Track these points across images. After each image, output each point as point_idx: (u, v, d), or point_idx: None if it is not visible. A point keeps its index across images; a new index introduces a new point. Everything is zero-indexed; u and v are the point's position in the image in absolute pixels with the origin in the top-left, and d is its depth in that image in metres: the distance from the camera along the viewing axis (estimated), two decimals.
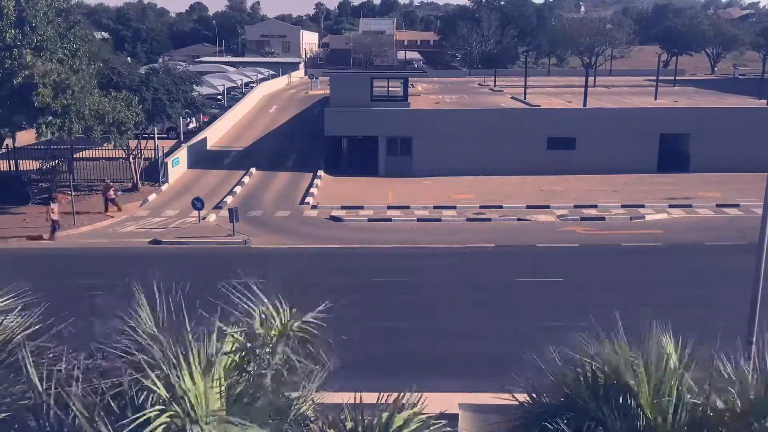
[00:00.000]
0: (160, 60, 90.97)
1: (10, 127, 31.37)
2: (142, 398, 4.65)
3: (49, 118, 29.15)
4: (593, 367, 5.70)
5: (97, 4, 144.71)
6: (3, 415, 4.80)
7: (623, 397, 5.46)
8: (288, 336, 5.31)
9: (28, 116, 30.26)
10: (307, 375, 5.45)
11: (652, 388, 5.36)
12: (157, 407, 4.36)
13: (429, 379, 13.92)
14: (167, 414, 4.32)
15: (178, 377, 4.46)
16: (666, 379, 5.40)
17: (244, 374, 4.92)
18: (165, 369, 4.49)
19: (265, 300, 5.32)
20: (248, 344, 5.08)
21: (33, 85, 28.38)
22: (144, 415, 4.32)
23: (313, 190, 35.80)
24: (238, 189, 36.27)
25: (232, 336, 5.14)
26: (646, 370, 5.43)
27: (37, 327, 5.84)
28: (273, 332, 5.15)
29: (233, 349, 5.05)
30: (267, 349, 5.07)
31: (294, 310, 5.51)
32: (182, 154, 40.65)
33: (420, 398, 5.57)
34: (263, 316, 5.25)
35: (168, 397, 4.42)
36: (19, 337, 5.59)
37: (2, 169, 36.63)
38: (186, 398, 4.41)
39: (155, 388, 4.44)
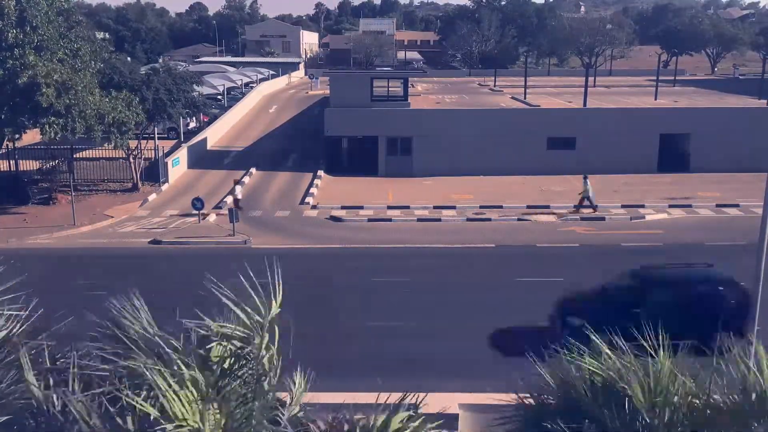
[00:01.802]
0: (161, 60, 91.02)
1: (13, 128, 31.38)
2: (141, 399, 4.63)
3: (52, 118, 29.18)
4: (593, 367, 5.69)
5: (97, 4, 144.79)
6: (3, 418, 4.79)
7: (623, 397, 5.45)
8: (277, 338, 5.25)
9: (32, 116, 30.29)
10: (295, 375, 5.41)
11: (651, 388, 5.35)
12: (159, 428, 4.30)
13: (429, 379, 13.94)
14: None
15: (174, 392, 4.39)
16: (666, 379, 5.39)
17: (236, 377, 4.88)
18: (159, 384, 4.41)
19: (259, 301, 5.28)
20: (241, 347, 5.04)
21: (36, 85, 28.40)
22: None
23: (313, 190, 35.80)
24: (238, 189, 36.26)
25: (226, 339, 5.10)
26: (645, 371, 5.42)
27: (36, 326, 5.83)
28: (260, 338, 5.09)
29: (226, 354, 5.01)
30: (260, 352, 5.03)
31: (279, 310, 5.43)
32: (182, 154, 40.66)
33: (420, 398, 5.56)
34: (255, 318, 5.21)
35: (159, 416, 4.36)
36: (18, 336, 5.58)
37: (2, 169, 36.64)
38: (181, 414, 4.36)
39: (143, 407, 4.37)
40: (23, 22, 29.58)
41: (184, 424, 4.38)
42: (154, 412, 4.35)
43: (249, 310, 5.13)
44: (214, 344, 4.96)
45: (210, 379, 4.68)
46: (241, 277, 5.14)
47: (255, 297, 5.15)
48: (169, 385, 4.43)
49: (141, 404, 4.36)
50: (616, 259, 25.70)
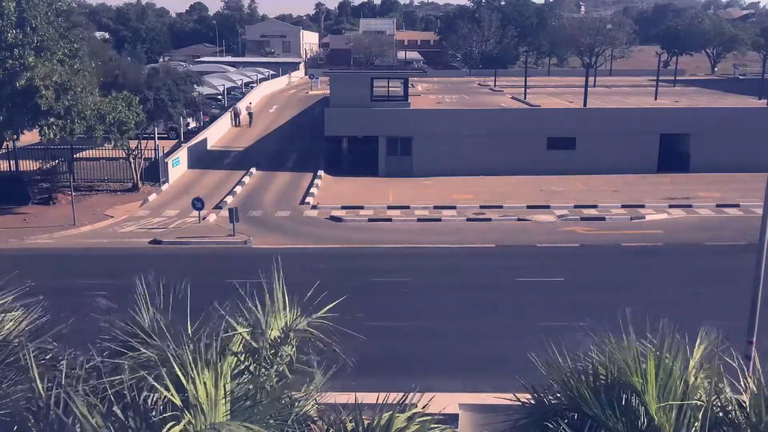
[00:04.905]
0: (161, 60, 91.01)
1: (12, 129, 31.37)
2: (143, 398, 4.64)
3: (51, 119, 29.16)
4: (596, 367, 5.69)
5: (97, 4, 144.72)
6: (3, 412, 4.80)
7: (626, 396, 5.45)
8: (292, 336, 5.30)
9: (31, 118, 30.28)
10: (310, 375, 5.45)
11: (658, 387, 5.34)
12: (170, 414, 4.33)
13: (429, 379, 13.94)
14: (182, 423, 4.29)
15: (192, 383, 4.43)
16: (672, 379, 5.39)
17: (247, 375, 4.91)
18: (179, 374, 4.45)
19: (270, 300, 5.31)
20: (253, 345, 5.07)
21: (35, 87, 28.38)
22: (162, 424, 4.29)
23: (313, 190, 35.80)
24: (238, 189, 36.28)
25: (238, 336, 5.13)
26: (652, 370, 5.41)
27: (37, 326, 5.83)
28: (277, 333, 5.14)
29: (238, 350, 5.05)
30: (271, 350, 5.06)
31: (299, 310, 5.50)
32: (182, 154, 40.66)
33: (420, 398, 5.57)
34: (267, 316, 5.24)
35: (181, 406, 4.39)
36: (19, 337, 5.58)
37: (2, 169, 36.64)
38: (198, 404, 4.39)
39: (170, 396, 4.41)
40: (23, 23, 29.57)
41: (201, 410, 4.41)
42: (177, 401, 4.39)
43: (266, 310, 5.17)
44: (231, 341, 5.01)
45: (225, 370, 4.73)
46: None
47: (270, 299, 5.19)
48: (193, 369, 4.47)
49: (169, 388, 4.40)
50: (616, 259, 25.74)
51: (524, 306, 20.35)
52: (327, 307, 6.00)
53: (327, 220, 31.08)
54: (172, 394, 4.38)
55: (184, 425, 4.28)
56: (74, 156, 36.37)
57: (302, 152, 44.73)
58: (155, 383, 4.49)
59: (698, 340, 5.91)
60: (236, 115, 55.48)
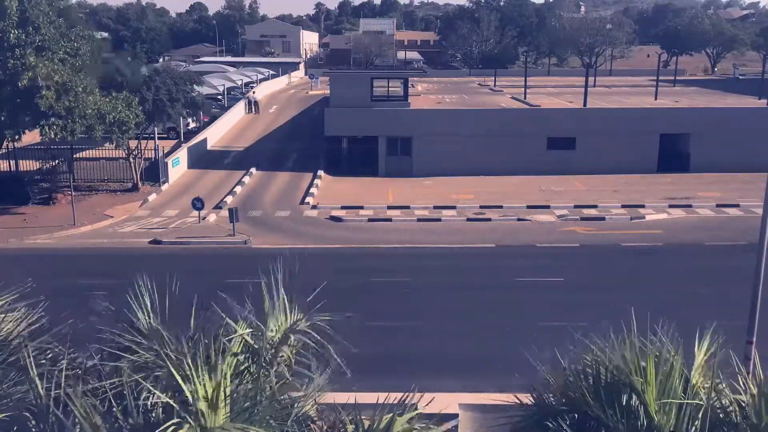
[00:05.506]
0: (161, 60, 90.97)
1: (13, 128, 31.35)
2: (142, 398, 4.64)
3: (52, 119, 29.15)
4: (596, 366, 5.69)
5: (97, 4, 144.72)
6: (3, 415, 4.79)
7: (626, 396, 5.45)
8: (292, 337, 5.30)
9: (32, 118, 30.26)
10: (310, 377, 5.45)
11: (657, 387, 5.34)
12: (173, 422, 4.32)
13: (429, 379, 13.94)
14: (184, 428, 4.28)
15: (191, 385, 4.43)
16: (672, 378, 5.39)
17: (246, 375, 4.92)
18: (176, 376, 4.45)
19: (269, 300, 5.31)
20: (252, 345, 5.07)
21: (36, 87, 28.37)
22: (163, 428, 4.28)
23: (313, 190, 35.80)
24: (238, 189, 36.27)
25: (238, 337, 5.13)
26: (652, 369, 5.41)
27: (37, 326, 5.83)
28: (276, 334, 5.14)
29: (238, 350, 5.05)
30: (270, 351, 5.06)
31: (299, 311, 5.50)
32: (182, 154, 40.65)
33: (420, 398, 5.57)
34: (267, 316, 5.25)
35: (178, 409, 4.38)
36: (19, 337, 5.58)
37: (2, 169, 36.64)
38: (196, 406, 4.39)
39: (167, 399, 4.41)
40: (25, 23, 29.55)
41: (200, 412, 4.41)
42: (175, 404, 4.39)
43: (265, 311, 5.17)
44: (231, 342, 5.00)
45: (225, 371, 4.73)
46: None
47: (269, 299, 5.19)
48: (192, 370, 4.47)
49: (168, 394, 4.40)
50: (616, 259, 25.73)
51: (524, 306, 20.33)
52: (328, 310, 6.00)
53: (327, 220, 31.08)
54: (169, 397, 4.38)
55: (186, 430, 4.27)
56: (74, 156, 36.36)
57: (302, 152, 44.72)
58: (150, 387, 4.49)
59: (699, 341, 5.91)
60: (251, 102, 59.62)
